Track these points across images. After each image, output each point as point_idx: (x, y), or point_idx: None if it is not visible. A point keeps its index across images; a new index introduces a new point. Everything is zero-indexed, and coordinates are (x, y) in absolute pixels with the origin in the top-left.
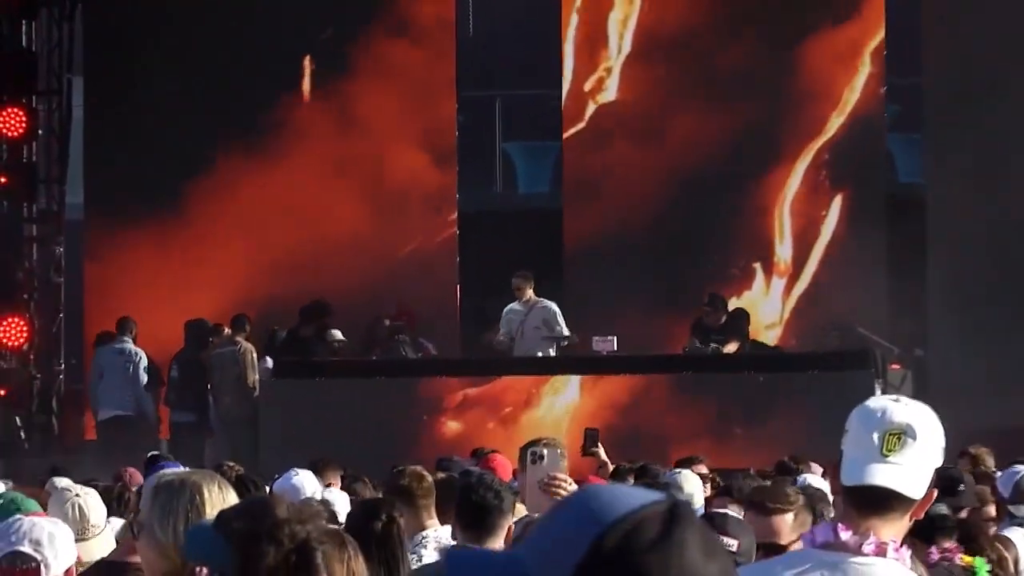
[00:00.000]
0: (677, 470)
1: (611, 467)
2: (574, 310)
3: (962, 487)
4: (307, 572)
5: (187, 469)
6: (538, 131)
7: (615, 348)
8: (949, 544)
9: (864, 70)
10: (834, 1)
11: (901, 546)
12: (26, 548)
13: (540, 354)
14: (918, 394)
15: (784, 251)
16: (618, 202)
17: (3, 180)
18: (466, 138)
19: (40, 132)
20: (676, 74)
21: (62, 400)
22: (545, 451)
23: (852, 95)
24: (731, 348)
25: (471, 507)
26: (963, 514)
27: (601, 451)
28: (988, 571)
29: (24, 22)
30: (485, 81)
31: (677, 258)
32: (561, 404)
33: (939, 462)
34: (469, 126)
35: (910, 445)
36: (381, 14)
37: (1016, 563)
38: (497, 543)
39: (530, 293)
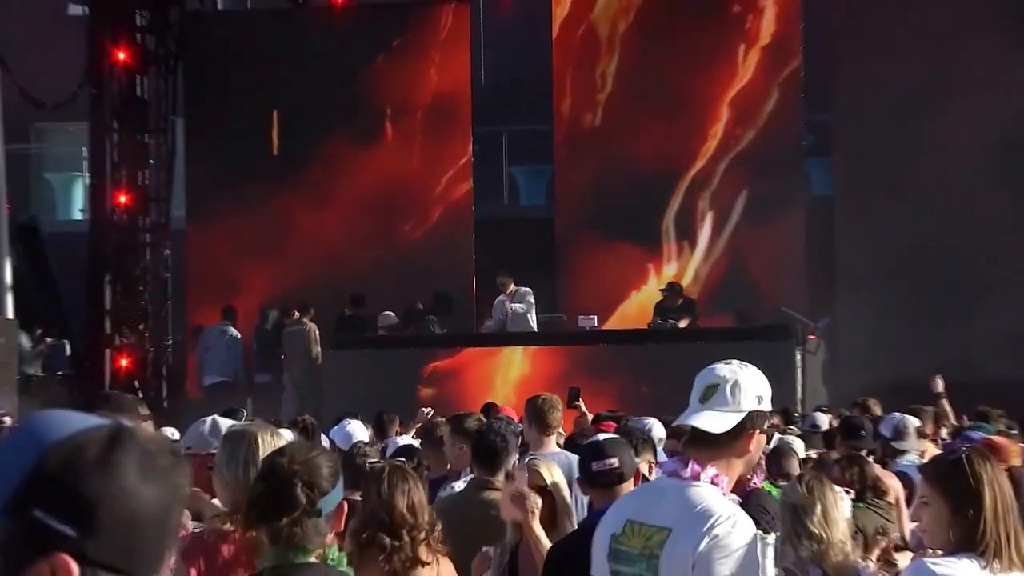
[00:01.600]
0: (646, 417)
1: (590, 416)
2: (563, 295)
3: (863, 432)
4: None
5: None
6: (535, 157)
7: (596, 324)
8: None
9: (788, 104)
10: (764, 48)
11: (721, 477)
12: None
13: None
14: (829, 359)
15: (722, 244)
16: (597, 210)
17: (124, 199)
18: (480, 163)
19: (151, 161)
20: (638, 110)
21: (170, 368)
22: (516, 471)
23: (781, 127)
24: (684, 324)
25: (484, 448)
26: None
27: (582, 404)
28: (778, 492)
29: (139, 77)
30: (494, 120)
31: (638, 249)
32: (549, 366)
33: (756, 407)
34: (482, 154)
35: (720, 393)
36: (420, 77)
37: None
38: (502, 475)
39: (512, 286)
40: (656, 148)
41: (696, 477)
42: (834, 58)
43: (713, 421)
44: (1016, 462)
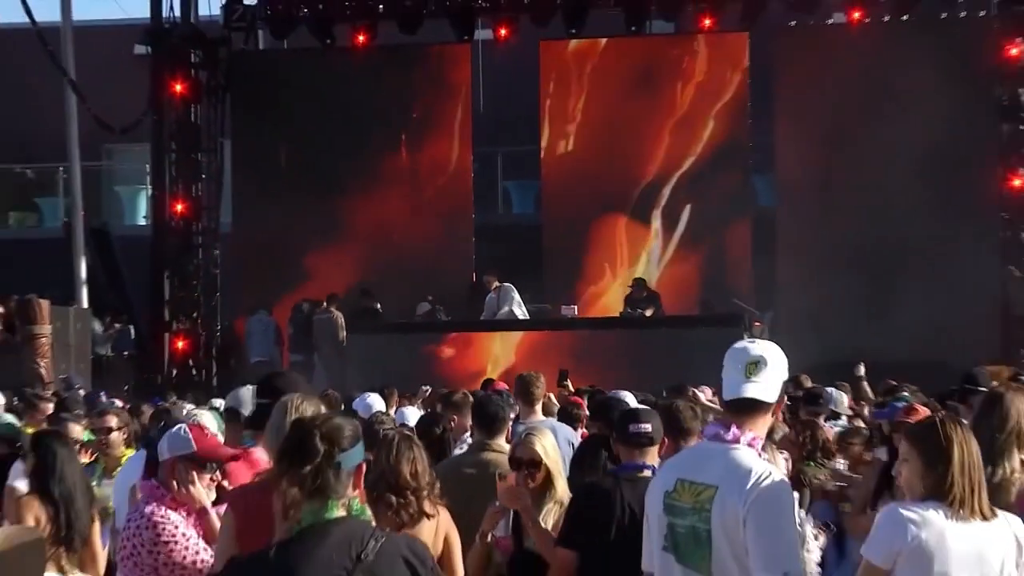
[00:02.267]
0: (620, 391)
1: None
2: (549, 290)
3: (822, 400)
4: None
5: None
6: (525, 174)
7: (575, 313)
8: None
9: (735, 127)
10: (713, 82)
11: (757, 438)
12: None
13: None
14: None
15: (684, 246)
16: (575, 218)
17: (180, 208)
18: (478, 178)
19: (203, 176)
20: (607, 133)
21: (219, 349)
22: (499, 481)
23: (729, 148)
24: (649, 313)
25: (486, 415)
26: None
27: (568, 384)
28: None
29: (193, 105)
30: (491, 142)
31: (610, 251)
32: (537, 347)
33: (785, 378)
34: (481, 170)
35: (763, 369)
36: (430, 107)
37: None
38: (502, 438)
39: (495, 283)
40: (620, 168)
41: (737, 440)
42: (777, 89)
43: (763, 391)
44: None
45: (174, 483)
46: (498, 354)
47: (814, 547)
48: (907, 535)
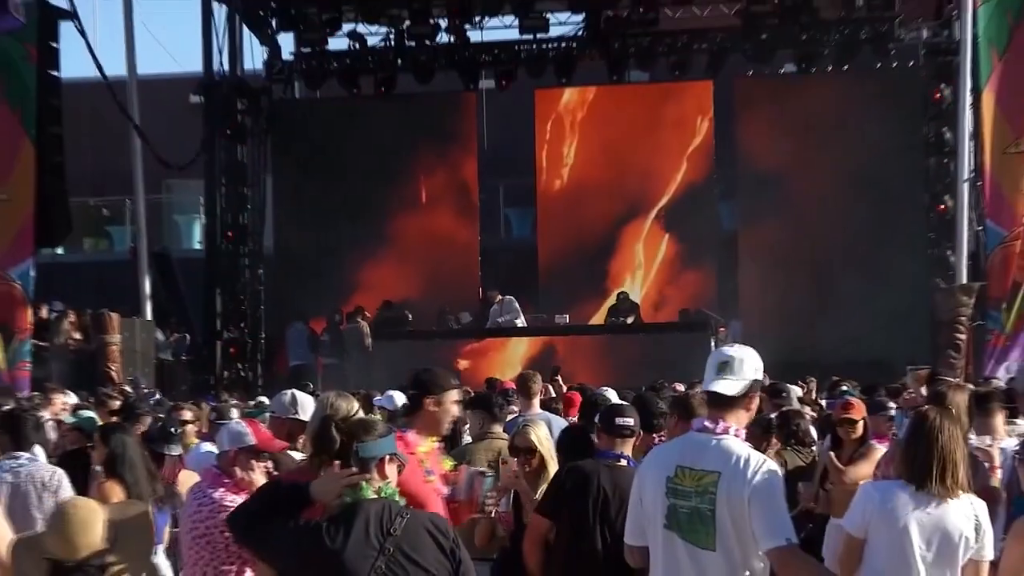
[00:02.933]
0: (605, 387)
1: (564, 388)
2: (544, 301)
3: (785, 394)
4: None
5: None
6: (524, 203)
7: (567, 321)
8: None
9: (703, 165)
10: (685, 125)
11: (740, 430)
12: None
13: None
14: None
15: (662, 266)
16: (567, 241)
17: (230, 234)
18: (484, 206)
19: (248, 207)
20: (593, 170)
21: (263, 355)
22: (483, 477)
23: (699, 183)
24: (630, 320)
25: (486, 409)
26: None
27: (560, 379)
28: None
29: (239, 146)
30: (494, 175)
31: (596, 271)
32: (534, 350)
33: (756, 377)
34: (485, 199)
35: (731, 369)
36: (443, 145)
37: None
38: (499, 427)
39: (498, 296)
40: (606, 201)
41: (725, 431)
42: (738, 129)
43: (729, 387)
44: (858, 416)
45: (236, 470)
46: (504, 359)
47: None
48: (875, 507)
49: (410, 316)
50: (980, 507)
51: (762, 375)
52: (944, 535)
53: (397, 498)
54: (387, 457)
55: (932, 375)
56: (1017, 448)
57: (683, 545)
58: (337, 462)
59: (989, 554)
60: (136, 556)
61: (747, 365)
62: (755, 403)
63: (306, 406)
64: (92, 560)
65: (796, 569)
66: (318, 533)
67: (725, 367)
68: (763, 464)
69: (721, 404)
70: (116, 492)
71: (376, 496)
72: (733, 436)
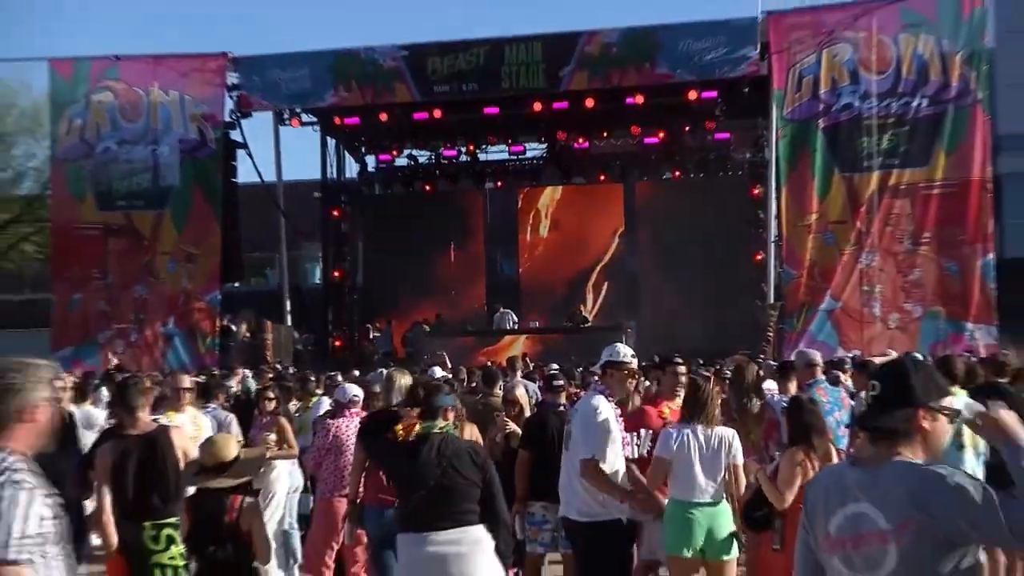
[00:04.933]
0: (552, 364)
1: (531, 365)
2: (525, 314)
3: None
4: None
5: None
6: (511, 254)
7: (539, 326)
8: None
9: (623, 240)
10: (610, 214)
11: (607, 388)
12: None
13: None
14: (636, 343)
15: (599, 301)
16: (544, 282)
17: (337, 274)
18: (487, 257)
19: (348, 258)
20: (560, 242)
21: (360, 350)
22: (496, 416)
23: (620, 250)
24: (581, 324)
25: (487, 376)
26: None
27: (527, 359)
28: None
29: (343, 224)
30: (494, 240)
31: (560, 297)
32: (515, 343)
33: (611, 358)
34: (487, 252)
35: (610, 352)
36: (460, 227)
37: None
38: (496, 388)
39: (500, 309)
40: (565, 256)
41: (598, 391)
42: (638, 215)
43: (624, 354)
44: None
45: (346, 411)
46: (502, 350)
47: None
48: (675, 439)
49: (429, 328)
50: (731, 433)
51: (630, 358)
52: (712, 450)
53: (452, 431)
54: (448, 407)
55: (750, 358)
56: (787, 402)
57: (566, 455)
58: (417, 409)
59: (740, 460)
60: (250, 469)
61: (613, 351)
62: (615, 375)
63: (380, 378)
64: (221, 465)
65: (594, 478)
66: (404, 448)
67: (609, 352)
68: (587, 401)
69: (602, 372)
70: (271, 438)
71: (440, 431)
72: (598, 392)
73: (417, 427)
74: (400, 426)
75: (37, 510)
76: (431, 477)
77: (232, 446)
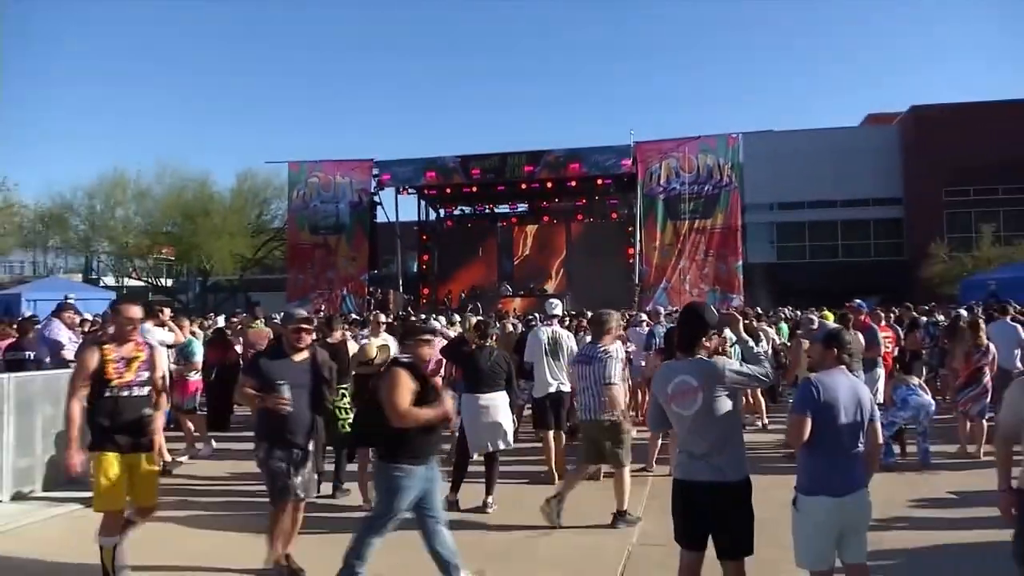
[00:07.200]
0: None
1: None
2: (516, 287)
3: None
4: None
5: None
6: (509, 264)
7: (523, 293)
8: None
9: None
10: (558, 239)
11: (555, 324)
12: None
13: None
14: (570, 301)
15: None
16: (527, 272)
17: (424, 267)
18: (498, 262)
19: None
20: (535, 254)
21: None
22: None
23: (563, 257)
24: (540, 291)
25: (479, 328)
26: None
27: (516, 309)
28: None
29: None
30: (503, 255)
31: (536, 281)
32: (515, 302)
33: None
34: (499, 262)
35: (551, 307)
36: (487, 247)
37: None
38: (508, 324)
39: (506, 284)
40: (540, 264)
41: (553, 323)
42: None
43: (548, 310)
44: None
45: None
46: (507, 306)
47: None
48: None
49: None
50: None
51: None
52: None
53: (493, 345)
54: (496, 335)
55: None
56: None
57: (553, 361)
58: (478, 333)
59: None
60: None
61: (554, 307)
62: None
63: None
64: (369, 360)
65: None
66: (472, 352)
67: (551, 307)
68: (538, 324)
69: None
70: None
71: (488, 346)
72: (547, 326)
73: (475, 344)
74: (471, 343)
75: None
76: (484, 367)
77: (373, 350)
